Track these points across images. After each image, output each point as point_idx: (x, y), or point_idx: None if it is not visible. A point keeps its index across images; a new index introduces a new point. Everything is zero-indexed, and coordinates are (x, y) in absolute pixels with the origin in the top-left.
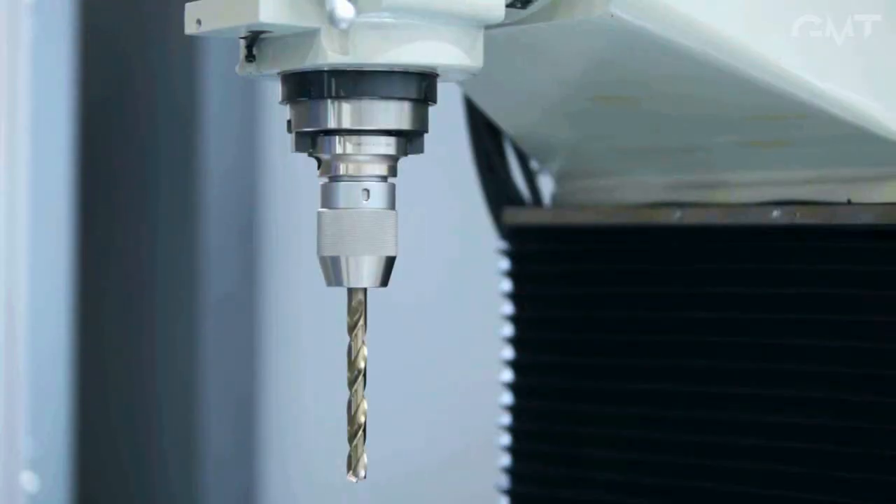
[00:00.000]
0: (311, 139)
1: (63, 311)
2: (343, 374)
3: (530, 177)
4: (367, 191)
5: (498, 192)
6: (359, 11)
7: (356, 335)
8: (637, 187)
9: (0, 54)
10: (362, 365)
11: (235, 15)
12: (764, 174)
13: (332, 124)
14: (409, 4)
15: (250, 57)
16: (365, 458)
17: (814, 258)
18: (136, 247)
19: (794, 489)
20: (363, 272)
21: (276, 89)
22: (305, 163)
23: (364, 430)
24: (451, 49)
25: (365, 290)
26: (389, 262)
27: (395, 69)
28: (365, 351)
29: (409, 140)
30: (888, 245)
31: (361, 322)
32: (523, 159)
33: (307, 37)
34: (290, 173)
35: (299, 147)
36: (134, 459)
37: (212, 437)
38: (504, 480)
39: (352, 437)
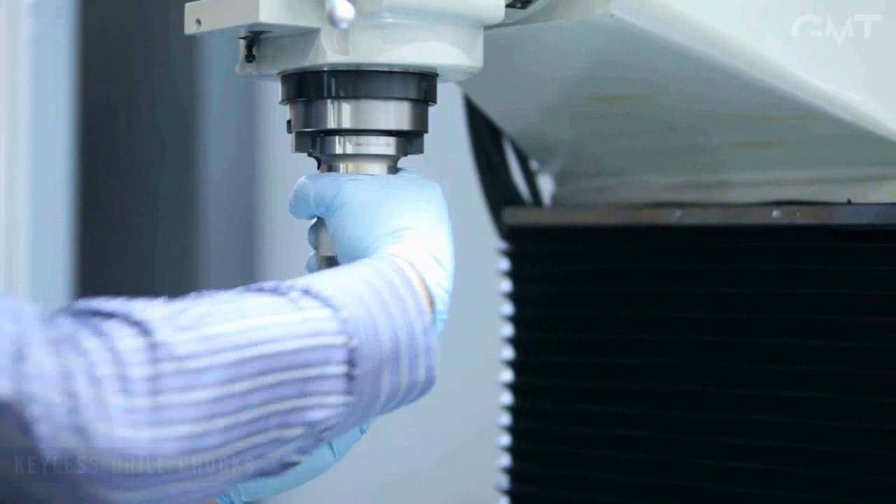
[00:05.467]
0: (312, 139)
1: None
2: None
3: (530, 177)
4: None
5: (498, 192)
6: (358, 12)
7: None
8: (637, 187)
9: (0, 54)
10: None
11: (235, 15)
12: (764, 174)
13: (332, 124)
14: (409, 4)
15: (250, 57)
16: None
17: (814, 258)
18: (136, 247)
19: (795, 489)
20: None
21: (276, 89)
22: (305, 163)
23: None
24: (451, 49)
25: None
26: None
27: (395, 69)
28: None
29: (409, 140)
30: (888, 245)
31: None
32: (523, 159)
33: (307, 37)
34: (290, 173)
35: (299, 147)
36: None
37: None
38: (504, 480)
39: None
